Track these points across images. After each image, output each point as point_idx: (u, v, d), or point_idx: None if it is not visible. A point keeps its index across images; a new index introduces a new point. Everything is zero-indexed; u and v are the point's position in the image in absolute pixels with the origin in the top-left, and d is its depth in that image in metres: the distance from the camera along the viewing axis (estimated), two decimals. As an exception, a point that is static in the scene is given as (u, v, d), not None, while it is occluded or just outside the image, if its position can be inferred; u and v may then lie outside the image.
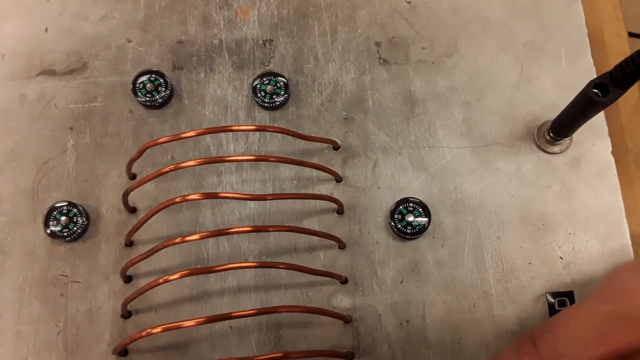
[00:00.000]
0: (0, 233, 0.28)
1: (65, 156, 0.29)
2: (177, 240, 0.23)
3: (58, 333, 0.27)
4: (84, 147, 0.29)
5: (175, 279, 0.23)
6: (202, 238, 0.23)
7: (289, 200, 0.28)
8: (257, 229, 0.24)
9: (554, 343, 0.22)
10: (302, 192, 0.28)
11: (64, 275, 0.28)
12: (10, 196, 0.29)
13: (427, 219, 0.27)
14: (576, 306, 0.24)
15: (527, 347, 0.23)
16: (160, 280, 0.23)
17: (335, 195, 0.28)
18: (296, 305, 0.26)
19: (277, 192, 0.28)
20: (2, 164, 0.29)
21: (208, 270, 0.23)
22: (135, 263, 0.25)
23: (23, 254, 0.28)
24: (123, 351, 0.26)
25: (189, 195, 0.24)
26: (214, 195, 0.24)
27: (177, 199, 0.24)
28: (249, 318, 0.26)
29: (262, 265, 0.24)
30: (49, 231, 0.28)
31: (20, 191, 0.29)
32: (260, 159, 0.25)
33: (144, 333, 0.22)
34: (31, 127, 0.30)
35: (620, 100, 0.30)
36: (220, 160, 0.24)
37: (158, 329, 0.22)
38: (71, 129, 0.30)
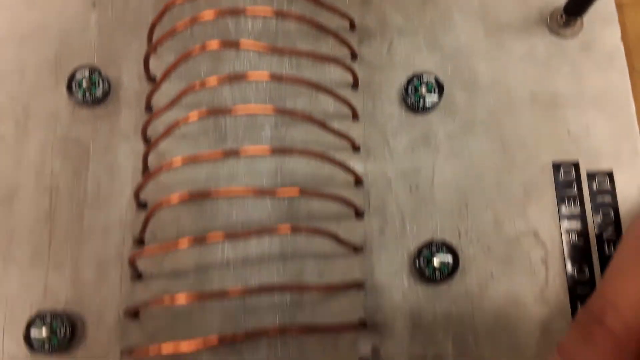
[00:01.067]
0: (25, 98, 0.30)
1: (88, 29, 0.30)
2: (197, 84, 0.24)
3: (80, 188, 0.28)
4: (106, 21, 0.30)
5: (195, 118, 0.24)
6: (220, 82, 0.24)
7: (305, 72, 0.29)
8: (274, 77, 0.24)
9: (622, 317, 0.22)
10: (317, 67, 0.29)
11: (85, 136, 0.29)
12: (33, 65, 0.30)
13: (438, 95, 0.28)
14: (621, 270, 0.23)
15: (595, 328, 0.22)
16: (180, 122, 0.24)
17: (351, 70, 0.29)
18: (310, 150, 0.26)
19: (293, 68, 0.29)
20: (26, 36, 0.30)
21: (221, 112, 0.24)
22: (159, 116, 0.26)
23: (46, 117, 0.29)
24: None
25: (208, 43, 0.25)
26: (234, 44, 0.25)
27: (196, 48, 0.25)
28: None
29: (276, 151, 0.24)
30: (71, 95, 0.29)
31: (43, 60, 0.30)
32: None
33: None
34: (54, 2, 0.31)
35: (628, 21, 0.31)
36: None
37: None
38: (94, 5, 0.31)
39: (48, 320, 0.26)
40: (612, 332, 0.21)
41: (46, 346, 0.26)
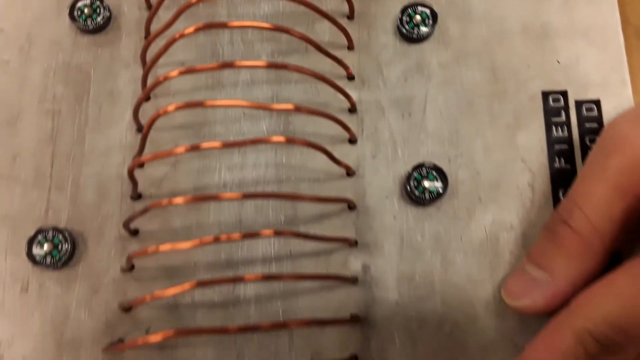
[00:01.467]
0: (29, 26, 0.30)
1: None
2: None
3: (81, 112, 0.29)
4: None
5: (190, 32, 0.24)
6: None
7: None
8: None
9: (586, 217, 0.23)
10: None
11: (87, 63, 0.30)
12: (36, -4, 0.31)
13: (432, 25, 0.29)
14: (588, 174, 0.24)
15: (563, 230, 0.23)
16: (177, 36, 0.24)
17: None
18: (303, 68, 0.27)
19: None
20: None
21: (222, 25, 0.24)
22: (157, 37, 0.27)
23: (49, 44, 0.30)
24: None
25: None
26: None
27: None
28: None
29: (272, 65, 0.25)
30: (73, 23, 0.30)
31: (46, -9, 0.31)
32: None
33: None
34: None
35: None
36: None
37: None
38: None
39: (50, 236, 0.27)
40: (578, 232, 0.22)
41: (48, 260, 0.27)
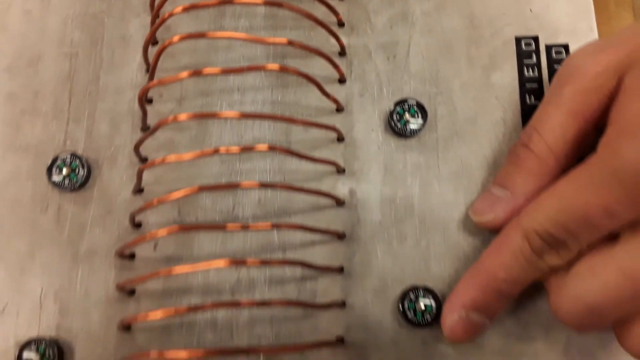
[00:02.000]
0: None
1: None
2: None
3: (96, 55, 0.32)
4: None
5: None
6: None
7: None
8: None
9: (543, 140, 0.26)
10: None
11: (101, 11, 0.33)
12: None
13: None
14: (546, 101, 0.27)
15: (523, 152, 0.26)
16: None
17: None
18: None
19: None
20: None
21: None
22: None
23: (67, -7, 0.33)
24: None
25: None
26: None
27: None
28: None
29: (268, 3, 0.28)
30: (90, -27, 0.33)
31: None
32: None
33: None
34: None
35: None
36: None
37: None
38: None
39: (68, 161, 0.30)
40: (535, 153, 0.25)
41: (66, 183, 0.30)
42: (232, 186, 0.25)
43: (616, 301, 0.22)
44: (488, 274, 0.25)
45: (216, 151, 0.25)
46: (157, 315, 0.23)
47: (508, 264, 0.25)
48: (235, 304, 0.24)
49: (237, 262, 0.23)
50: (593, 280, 0.23)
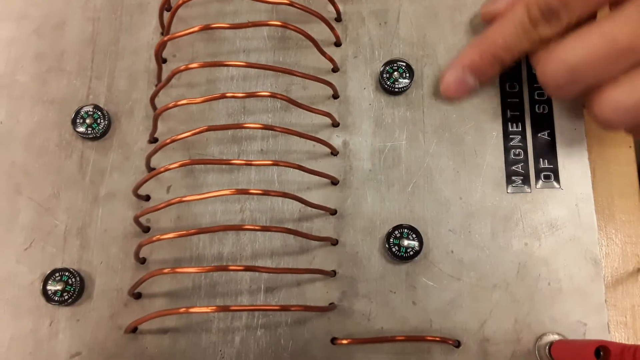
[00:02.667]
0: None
1: None
2: None
3: (116, 19, 0.35)
4: None
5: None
6: None
7: None
8: None
9: None
10: None
11: (121, -20, 0.36)
12: None
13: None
14: None
15: None
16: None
17: None
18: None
19: None
20: None
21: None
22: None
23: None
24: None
25: None
26: None
27: None
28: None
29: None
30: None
31: None
32: None
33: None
34: None
35: None
36: None
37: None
38: None
39: (91, 111, 0.33)
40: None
41: (89, 132, 0.33)
42: (237, 126, 0.28)
43: (595, 63, 0.25)
44: (489, 41, 0.29)
45: (223, 95, 0.28)
46: (169, 235, 0.26)
47: (507, 33, 0.28)
48: (240, 228, 0.27)
49: (241, 191, 0.26)
50: (577, 44, 0.26)
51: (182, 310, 0.26)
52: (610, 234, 0.34)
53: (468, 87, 0.31)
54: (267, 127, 0.28)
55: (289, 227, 0.31)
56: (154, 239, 0.26)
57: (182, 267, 0.26)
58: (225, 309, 0.25)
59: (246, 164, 0.27)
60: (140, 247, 0.29)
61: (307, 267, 0.30)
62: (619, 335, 0.33)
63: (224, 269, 0.26)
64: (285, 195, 0.28)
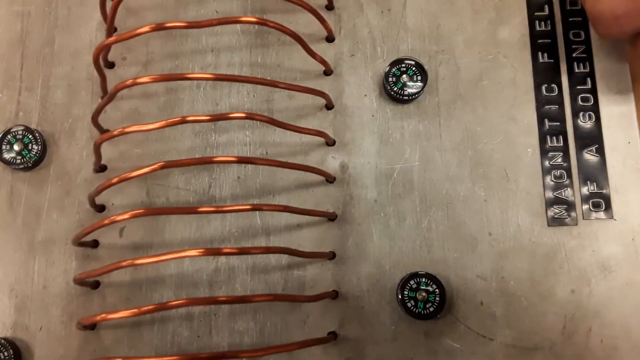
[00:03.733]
0: None
1: None
2: None
3: (50, 13, 0.28)
4: None
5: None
6: None
7: None
8: None
9: None
10: None
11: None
12: None
13: None
14: None
15: None
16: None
17: None
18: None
19: None
20: None
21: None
22: None
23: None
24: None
25: None
26: None
27: None
28: None
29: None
30: None
31: None
32: None
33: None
34: None
35: None
36: None
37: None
38: None
39: (20, 135, 0.26)
40: None
41: (19, 161, 0.26)
42: (205, 161, 0.21)
43: None
44: None
45: (184, 120, 0.21)
46: (118, 315, 0.19)
47: None
48: (212, 301, 0.21)
49: (213, 251, 0.20)
50: None
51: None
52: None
53: None
54: (242, 161, 0.21)
55: (276, 276, 0.25)
56: (98, 318, 0.20)
57: None
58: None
59: (216, 212, 0.21)
60: (81, 323, 0.22)
61: (300, 330, 0.24)
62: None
63: (195, 358, 0.19)
64: (269, 250, 0.21)
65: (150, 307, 0.20)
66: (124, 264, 0.20)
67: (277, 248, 0.22)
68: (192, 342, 0.25)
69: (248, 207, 0.21)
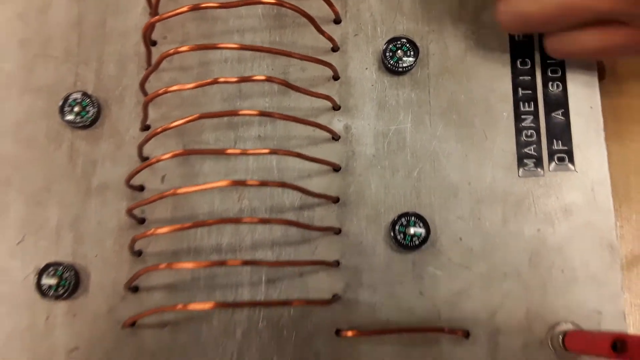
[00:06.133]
0: None
1: None
2: None
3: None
4: None
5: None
6: None
7: None
8: None
9: None
10: None
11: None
12: None
13: None
14: None
15: None
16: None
17: None
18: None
19: None
20: None
21: None
22: None
23: (74, -57, 0.36)
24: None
25: None
26: None
27: None
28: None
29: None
30: None
31: None
32: None
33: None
34: None
35: None
36: None
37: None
38: None
39: (79, 99, 0.33)
40: None
41: (78, 121, 0.33)
42: (232, 113, 0.28)
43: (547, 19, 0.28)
44: None
45: (215, 81, 0.27)
46: (163, 230, 0.26)
47: None
48: (237, 221, 0.27)
49: (238, 182, 0.26)
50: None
51: (179, 306, 0.26)
52: (626, 214, 0.34)
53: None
54: (264, 114, 0.28)
55: (289, 216, 0.31)
56: (148, 233, 0.26)
57: (179, 263, 0.26)
58: (224, 305, 0.25)
59: (242, 154, 0.27)
60: (134, 241, 0.29)
61: (309, 259, 0.30)
62: (633, 319, 0.33)
63: (222, 263, 0.26)
64: (284, 185, 0.28)
65: (189, 224, 0.26)
66: (167, 193, 0.27)
67: (291, 185, 0.28)
68: (220, 274, 0.31)
69: (266, 150, 0.27)
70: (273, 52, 0.29)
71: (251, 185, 0.26)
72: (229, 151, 0.27)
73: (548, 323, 0.29)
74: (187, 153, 0.27)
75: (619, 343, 0.24)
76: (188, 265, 0.26)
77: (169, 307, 0.26)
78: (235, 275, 0.31)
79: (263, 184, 0.27)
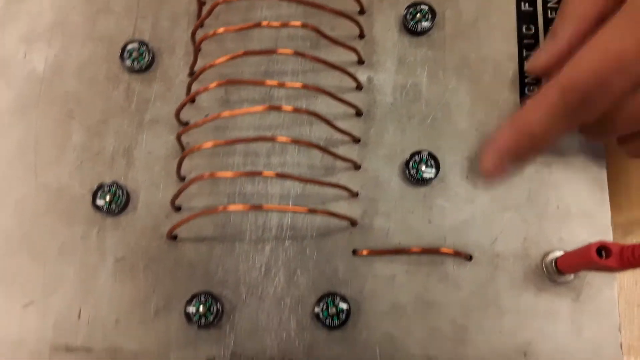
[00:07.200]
0: None
1: None
2: None
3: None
4: None
5: None
6: None
7: None
8: None
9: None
10: None
11: None
12: None
13: None
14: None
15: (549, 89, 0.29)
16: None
17: None
18: None
19: None
20: None
21: None
22: None
23: None
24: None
25: None
26: None
27: None
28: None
29: None
30: None
31: None
32: None
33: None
34: None
35: None
36: None
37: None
38: None
39: (137, 46, 0.38)
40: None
41: (135, 66, 0.38)
42: (270, 52, 0.33)
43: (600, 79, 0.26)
44: (525, 126, 0.29)
45: (257, 25, 0.33)
46: (208, 144, 0.31)
47: (544, 119, 0.28)
48: (272, 139, 0.32)
49: (274, 107, 0.31)
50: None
51: (220, 208, 0.30)
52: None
53: (507, 172, 0.32)
54: (298, 54, 0.33)
55: (315, 153, 0.36)
56: (195, 148, 0.31)
57: (220, 172, 0.30)
58: (258, 207, 0.30)
59: (279, 85, 0.32)
60: (181, 161, 0.33)
61: (332, 190, 0.35)
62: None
63: (258, 174, 0.30)
64: (315, 114, 0.32)
65: (228, 140, 0.31)
66: (210, 117, 0.32)
67: (321, 115, 0.33)
68: (254, 194, 0.36)
69: (299, 84, 0.32)
70: (308, 4, 0.34)
71: (286, 111, 0.31)
72: (268, 82, 0.32)
73: (543, 250, 0.34)
74: (229, 82, 0.32)
75: (603, 249, 0.28)
76: (228, 174, 0.30)
77: (208, 210, 0.31)
78: (267, 198, 0.35)
79: (296, 110, 0.31)
